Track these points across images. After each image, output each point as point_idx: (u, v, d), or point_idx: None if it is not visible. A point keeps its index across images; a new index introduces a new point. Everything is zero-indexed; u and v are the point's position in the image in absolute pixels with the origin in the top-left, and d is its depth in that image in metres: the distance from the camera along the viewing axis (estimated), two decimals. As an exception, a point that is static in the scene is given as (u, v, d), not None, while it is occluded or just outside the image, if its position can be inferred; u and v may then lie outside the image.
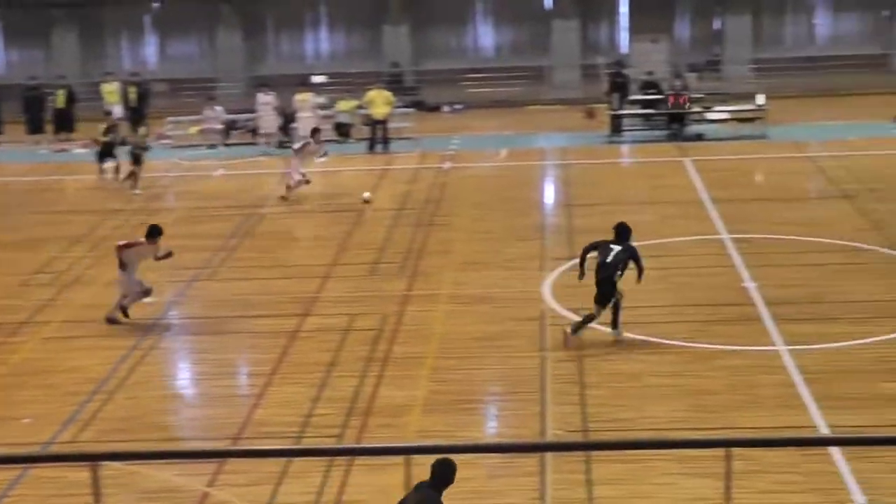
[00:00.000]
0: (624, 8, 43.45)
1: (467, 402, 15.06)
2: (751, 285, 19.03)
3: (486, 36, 45.05)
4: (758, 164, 29.19)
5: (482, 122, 37.65)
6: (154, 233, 18.56)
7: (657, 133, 32.99)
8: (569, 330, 16.75)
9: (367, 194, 26.17)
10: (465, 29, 44.92)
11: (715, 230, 22.60)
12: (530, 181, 28.78)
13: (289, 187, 26.62)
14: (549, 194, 27.81)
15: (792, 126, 33.00)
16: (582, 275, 16.97)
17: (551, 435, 13.79)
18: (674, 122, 32.82)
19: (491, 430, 14.62)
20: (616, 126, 33.40)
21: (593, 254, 17.09)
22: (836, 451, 12.84)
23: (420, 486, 9.68)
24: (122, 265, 18.32)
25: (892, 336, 16.73)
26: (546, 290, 19.27)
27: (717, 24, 42.63)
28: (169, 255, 18.83)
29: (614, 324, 16.94)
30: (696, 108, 33.01)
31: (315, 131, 28.31)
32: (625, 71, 36.06)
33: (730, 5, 41.32)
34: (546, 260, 21.12)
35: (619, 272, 16.73)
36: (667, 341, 16.80)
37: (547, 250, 21.84)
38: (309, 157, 27.56)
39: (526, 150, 32.33)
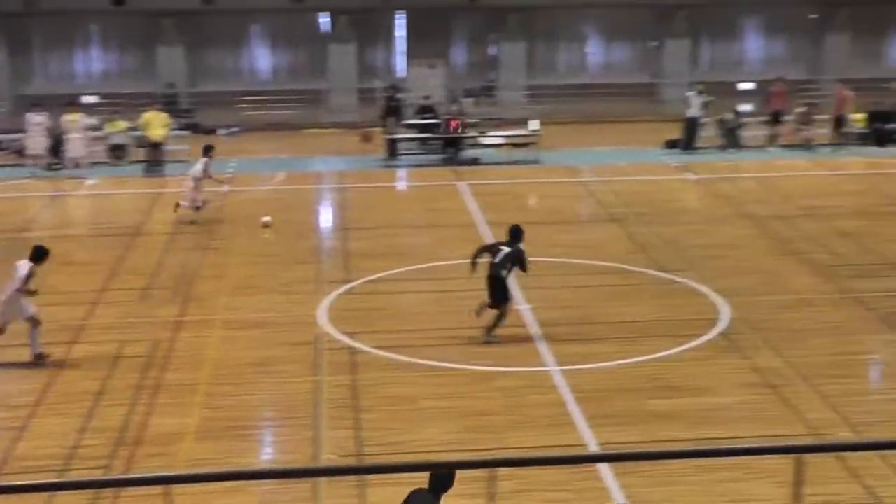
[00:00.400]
0: (401, 32, 43.78)
1: (241, 428, 14.80)
2: (524, 307, 19.31)
3: (262, 58, 44.72)
4: (531, 188, 29.75)
5: (259, 144, 37.31)
6: (41, 255, 17.30)
7: (433, 157, 33.28)
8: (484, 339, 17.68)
9: (266, 218, 25.59)
10: (241, 51, 44.49)
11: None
12: (307, 204, 28.63)
13: (198, 208, 25.89)
14: (326, 218, 27.71)
15: (564, 151, 33.79)
16: (473, 271, 18.06)
17: (324, 460, 13.66)
18: (449, 147, 33.17)
19: (265, 456, 14.39)
20: (392, 150, 33.56)
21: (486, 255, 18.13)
22: (604, 467, 13.09)
23: (418, 492, 9.62)
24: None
25: (659, 355, 17.21)
26: (322, 314, 19.14)
27: (492, 51, 43.37)
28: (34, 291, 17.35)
29: (492, 328, 17.81)
30: (471, 133, 33.43)
31: (208, 149, 26.84)
32: (399, 95, 36.28)
33: (505, 33, 42.10)
34: (322, 283, 21.00)
35: (506, 271, 17.76)
36: (442, 364, 16.88)
37: (323, 274, 21.72)
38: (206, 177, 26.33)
39: (303, 173, 32.17)
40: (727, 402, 15.75)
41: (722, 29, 42.80)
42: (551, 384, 16.12)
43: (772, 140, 33.76)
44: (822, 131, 33.31)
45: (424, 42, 42.36)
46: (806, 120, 33.59)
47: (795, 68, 41.92)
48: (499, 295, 17.87)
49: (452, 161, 32.74)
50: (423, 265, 22.11)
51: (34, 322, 17.17)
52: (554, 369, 16.66)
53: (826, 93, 35.81)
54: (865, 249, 22.82)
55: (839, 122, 33.13)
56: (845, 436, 14.28)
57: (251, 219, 25.91)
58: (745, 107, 35.79)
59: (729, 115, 33.75)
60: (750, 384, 16.23)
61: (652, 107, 40.66)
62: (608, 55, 43.61)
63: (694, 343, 17.60)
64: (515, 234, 18.14)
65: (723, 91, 37.06)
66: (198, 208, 25.78)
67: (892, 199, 27.09)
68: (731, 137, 33.45)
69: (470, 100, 38.61)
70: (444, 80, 40.56)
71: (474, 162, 32.58)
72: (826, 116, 33.51)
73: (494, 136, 33.61)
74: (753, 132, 34.15)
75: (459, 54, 43.70)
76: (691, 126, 33.49)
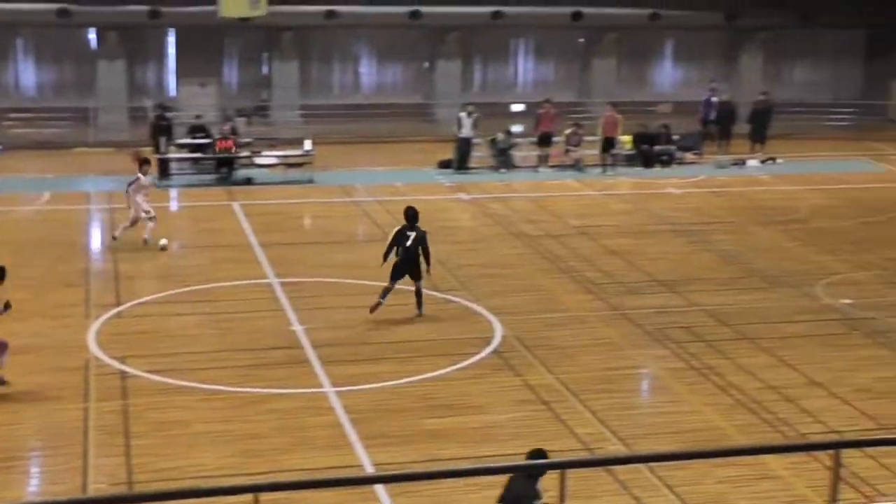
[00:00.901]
0: (171, 50, 43.00)
1: (6, 459, 14.19)
2: (299, 328, 19.18)
3: (27, 74, 43.20)
4: (306, 209, 29.61)
5: (25, 163, 36.02)
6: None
7: (206, 177, 32.76)
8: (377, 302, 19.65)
9: (163, 241, 24.69)
10: (5, 66, 42.85)
11: (264, 274, 22.65)
12: (75, 225, 27.75)
13: (134, 223, 24.92)
14: (96, 239, 26.90)
15: (339, 171, 33.76)
16: (385, 262, 19.92)
17: (93, 489, 13.22)
18: (223, 167, 32.72)
19: (31, 488, 13.81)
20: (164, 170, 32.87)
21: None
22: (381, 489, 13.07)
23: (516, 478, 10.06)
24: None
25: (434, 374, 17.33)
26: (91, 339, 18.57)
27: (265, 70, 43.07)
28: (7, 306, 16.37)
29: (418, 305, 19.98)
30: (244, 153, 33.08)
31: (143, 162, 25.64)
32: (168, 114, 35.57)
33: (277, 52, 41.85)
34: (92, 307, 20.38)
35: (419, 254, 19.66)
36: (215, 387, 16.59)
37: (93, 297, 21.08)
38: (144, 190, 25.23)
39: (71, 193, 31.19)
40: (501, 419, 15.97)
41: (494, 51, 43.58)
42: (327, 405, 16.03)
43: (542, 161, 34.51)
44: (591, 152, 34.24)
45: (196, 60, 41.72)
46: (575, 141, 34.47)
47: (565, 91, 43.01)
48: (417, 272, 19.86)
49: (226, 181, 32.32)
50: (197, 287, 21.71)
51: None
52: (330, 390, 16.58)
53: (594, 115, 36.83)
54: (633, 267, 23.52)
55: (608, 143, 34.12)
56: (615, 449, 14.64)
57: (18, 241, 24.98)
58: (517, 128, 36.48)
59: (500, 136, 34.34)
60: (523, 401, 16.49)
61: (425, 127, 41.07)
62: (382, 75, 43.86)
63: (468, 362, 17.78)
64: (414, 216, 20.04)
65: (495, 112, 37.74)
66: None
67: (659, 219, 28.02)
68: (502, 158, 34.06)
69: (243, 119, 38.21)
70: (216, 99, 40.05)
71: (248, 182, 32.24)
72: (595, 138, 34.46)
73: (268, 156, 33.33)
74: (525, 153, 34.85)
75: (232, 73, 43.20)
76: (464, 146, 33.94)
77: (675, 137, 36.09)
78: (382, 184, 32.01)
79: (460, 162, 33.90)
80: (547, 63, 44.17)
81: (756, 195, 31.02)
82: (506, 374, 17.50)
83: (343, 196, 30.60)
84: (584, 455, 14.41)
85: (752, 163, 35.49)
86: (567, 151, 34.56)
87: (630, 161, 35.18)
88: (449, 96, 41.61)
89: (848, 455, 13.87)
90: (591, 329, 19.73)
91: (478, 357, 18.12)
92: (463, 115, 34.11)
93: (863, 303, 21.42)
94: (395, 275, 19.93)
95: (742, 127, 36.96)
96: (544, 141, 34.67)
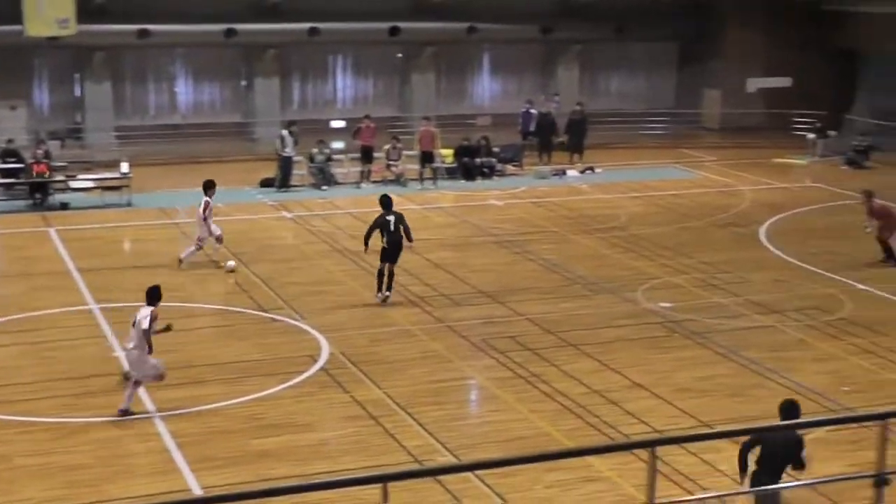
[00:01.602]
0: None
1: None
2: (122, 354, 18.77)
3: None
4: (124, 232, 28.98)
5: None
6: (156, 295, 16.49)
7: (19, 203, 31.76)
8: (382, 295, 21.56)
9: (231, 263, 24.30)
10: None
11: (84, 301, 22.10)
12: None
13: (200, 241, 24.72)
14: None
15: (157, 193, 33.11)
16: (366, 250, 21.85)
17: None
18: (37, 192, 31.81)
19: None
20: (-26, 196, 31.77)
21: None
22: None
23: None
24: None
25: (262, 394, 17.18)
26: None
27: (77, 91, 42.06)
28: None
29: (389, 286, 21.79)
30: (59, 177, 32.24)
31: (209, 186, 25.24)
32: (-22, 139, 34.42)
33: (89, 72, 40.89)
34: None
35: (402, 235, 21.59)
36: (36, 419, 16.14)
37: None
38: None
39: None
40: (331, 436, 15.93)
41: (312, 68, 43.41)
42: (153, 431, 15.74)
43: (364, 176, 34.52)
44: (413, 167, 34.39)
45: (4, 82, 40.47)
46: (394, 156, 34.59)
47: (385, 106, 43.13)
48: (397, 256, 21.72)
49: (40, 207, 31.41)
50: (16, 316, 21.07)
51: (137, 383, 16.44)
52: (155, 416, 16.28)
53: (415, 129, 37.00)
54: (457, 279, 23.70)
55: (426, 157, 34.31)
56: (445, 460, 14.71)
57: None
58: (336, 144, 36.42)
59: (317, 153, 34.21)
60: (352, 417, 16.47)
61: (245, 146, 40.64)
62: (199, 95, 43.24)
63: (296, 380, 17.67)
64: (390, 202, 21.99)
65: (315, 129, 37.57)
66: None
67: (481, 231, 28.28)
68: (322, 175, 33.95)
69: (56, 142, 37.24)
70: (26, 122, 38.97)
71: (64, 207, 31.39)
72: (414, 152, 34.63)
73: (84, 180, 32.54)
74: (347, 169, 34.81)
75: (42, 95, 42.04)
76: (285, 165, 33.72)
77: (496, 150, 36.51)
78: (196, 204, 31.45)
79: (282, 180, 33.68)
80: (366, 78, 44.20)
81: (576, 204, 31.60)
82: (334, 391, 17.44)
83: (163, 218, 30.08)
84: (414, 467, 14.44)
85: (572, 173, 36.14)
86: (388, 166, 34.65)
87: (452, 174, 35.46)
88: (268, 114, 41.28)
89: (671, 453, 14.28)
90: (418, 342, 19.81)
91: (305, 375, 18.02)
92: (285, 133, 33.90)
93: (681, 305, 21.99)
94: (387, 258, 21.84)
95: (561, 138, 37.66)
96: (365, 156, 34.69)
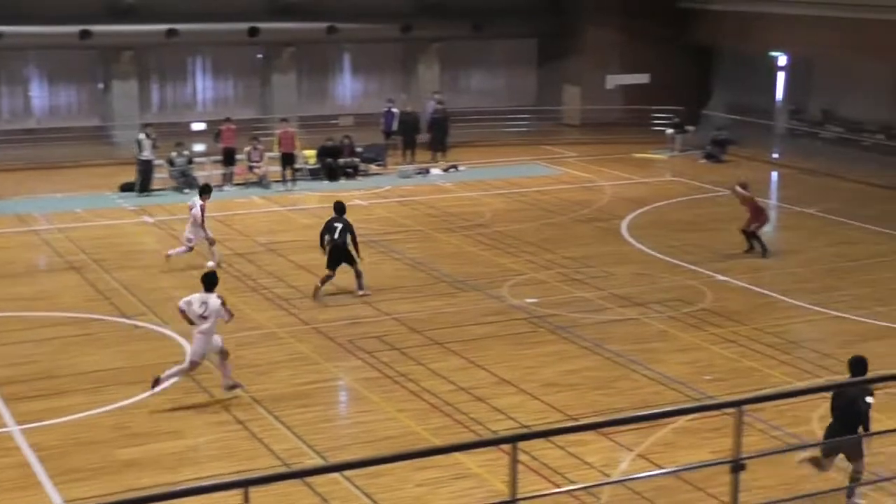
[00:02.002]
0: None
1: None
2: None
3: None
4: (-19, 241, 28.23)
5: None
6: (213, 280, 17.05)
7: None
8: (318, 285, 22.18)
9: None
10: None
11: (-63, 312, 21.46)
12: None
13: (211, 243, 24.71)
14: None
15: (14, 200, 32.30)
16: (323, 248, 22.52)
17: None
18: None
19: None
20: None
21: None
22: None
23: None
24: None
25: (126, 403, 16.90)
26: None
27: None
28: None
29: (360, 286, 22.37)
30: None
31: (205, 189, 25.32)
32: None
33: (-60, 78, 39.83)
34: None
35: (347, 241, 22.20)
36: None
37: None
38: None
39: None
40: (198, 442, 15.73)
41: (171, 70, 42.80)
42: (13, 445, 15.36)
43: (227, 179, 34.16)
44: (277, 169, 34.12)
45: None
46: (255, 157, 34.27)
47: (246, 107, 42.73)
48: (350, 258, 22.28)
49: None
50: None
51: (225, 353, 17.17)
52: (14, 429, 15.90)
53: (276, 131, 36.70)
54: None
55: (287, 159, 34.06)
56: (313, 463, 14.64)
57: None
58: (198, 146, 35.96)
59: (176, 156, 33.74)
60: (219, 422, 16.30)
61: (104, 150, 39.87)
62: (55, 98, 42.33)
63: (160, 387, 17.36)
64: (342, 208, 22.76)
65: (176, 132, 37.05)
66: None
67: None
68: (184, 178, 33.49)
69: None
70: None
71: (-85, 216, 30.47)
72: (276, 154, 34.35)
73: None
74: (209, 172, 34.40)
75: None
76: (144, 168, 33.19)
77: (359, 149, 36.45)
78: (62, 211, 30.84)
79: (142, 184, 33.14)
80: (226, 80, 43.72)
81: (440, 203, 31.71)
82: (200, 397, 17.24)
83: (20, 225, 29.35)
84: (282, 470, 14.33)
85: (435, 171, 36.26)
86: (250, 168, 34.34)
87: (315, 175, 35.28)
88: (127, 118, 40.58)
89: (539, 447, 14.44)
90: (284, 345, 19.68)
91: (170, 382, 17.75)
92: (142, 136, 33.35)
93: (546, 301, 22.23)
94: (331, 263, 22.37)
95: (425, 136, 37.78)
96: (227, 159, 34.33)
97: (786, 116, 43.08)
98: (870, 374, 13.52)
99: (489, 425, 16.05)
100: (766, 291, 23.07)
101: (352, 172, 35.53)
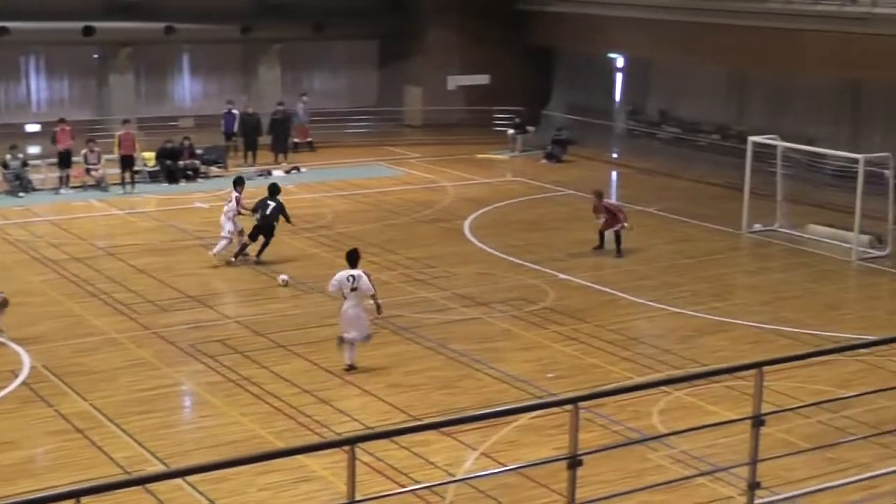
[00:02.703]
0: None
1: None
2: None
3: None
4: None
5: None
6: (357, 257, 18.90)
7: None
8: (233, 259, 24.52)
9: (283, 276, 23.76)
10: None
11: None
12: None
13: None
14: None
15: None
16: (255, 216, 25.03)
17: None
18: None
19: None
20: None
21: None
22: None
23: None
24: None
25: (-43, 413, 16.36)
26: None
27: None
28: None
29: (239, 253, 24.78)
30: None
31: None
32: None
33: None
34: None
35: (276, 221, 24.84)
36: None
37: None
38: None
39: None
40: (36, 452, 15.35)
41: (4, 69, 41.56)
42: None
43: (63, 182, 33.36)
44: (115, 171, 33.44)
45: None
46: (93, 160, 33.54)
47: (82, 108, 41.76)
48: (269, 235, 24.94)
49: None
50: None
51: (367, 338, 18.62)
52: None
53: (114, 132, 35.95)
54: (163, 285, 23.20)
55: (128, 161, 33.42)
56: (154, 470, 14.37)
57: None
58: (33, 149, 35.08)
59: (10, 158, 32.81)
60: (58, 431, 15.92)
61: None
62: None
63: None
64: (275, 190, 25.39)
65: (10, 133, 36.04)
66: None
67: (187, 234, 27.78)
68: (19, 181, 32.60)
69: None
70: None
71: None
72: (114, 156, 33.66)
73: None
74: (44, 175, 33.56)
75: None
76: (-23, 172, 32.22)
77: (199, 151, 35.94)
78: None
79: (-25, 188, 32.19)
80: (61, 80, 42.65)
81: (284, 204, 31.38)
82: (37, 406, 16.81)
83: None
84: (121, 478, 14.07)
85: (277, 173, 35.94)
86: (87, 171, 33.59)
87: (154, 178, 34.67)
88: (-42, 120, 39.39)
89: (384, 448, 14.46)
90: (125, 351, 19.31)
91: (6, 391, 17.30)
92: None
93: (389, 302, 22.16)
94: (253, 235, 24.89)
95: (267, 138, 37.45)
96: (63, 161, 33.52)
97: (624, 117, 43.94)
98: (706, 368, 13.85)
99: (334, 427, 16.00)
100: (607, 289, 23.48)
101: (192, 175, 35.01)
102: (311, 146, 40.02)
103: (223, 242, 25.16)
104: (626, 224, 26.08)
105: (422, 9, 44.22)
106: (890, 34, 31.14)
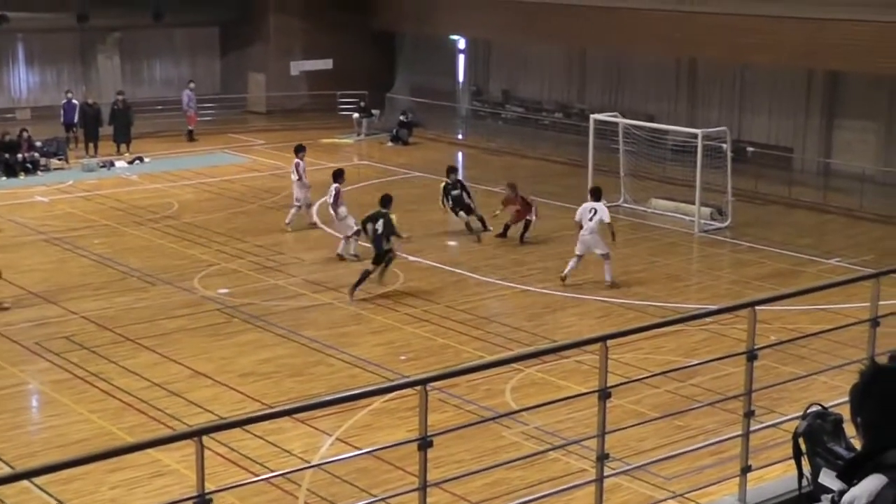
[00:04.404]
0: None
1: None
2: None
3: None
4: None
5: None
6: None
7: None
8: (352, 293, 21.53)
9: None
10: None
11: None
12: None
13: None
14: None
15: None
16: (366, 236, 22.46)
17: None
18: None
19: None
20: None
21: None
22: None
23: None
24: None
25: None
26: None
27: None
28: None
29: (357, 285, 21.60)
30: None
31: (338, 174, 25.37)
32: None
33: None
34: None
35: (387, 241, 21.67)
36: None
37: None
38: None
39: None
40: None
41: None
42: None
43: None
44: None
45: None
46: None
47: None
48: (382, 260, 21.85)
49: None
50: None
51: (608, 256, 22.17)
52: None
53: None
54: (3, 282, 22.40)
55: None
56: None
57: None
58: None
59: None
60: None
61: None
62: None
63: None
64: (386, 201, 22.09)
65: None
66: None
67: (28, 229, 27.03)
68: None
69: None
70: None
71: None
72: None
73: None
74: None
75: None
76: None
77: (39, 144, 35.04)
78: None
79: None
80: None
81: (127, 196, 30.88)
82: None
83: None
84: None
85: (120, 164, 35.28)
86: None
87: (-8, 172, 33.71)
88: None
89: (238, 438, 14.34)
90: (-35, 351, 18.77)
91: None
92: None
93: (239, 290, 22.05)
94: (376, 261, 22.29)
95: (108, 129, 36.68)
96: None
97: (468, 98, 44.22)
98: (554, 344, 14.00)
99: (186, 420, 15.79)
100: (456, 270, 23.64)
101: (31, 168, 34.10)
102: (191, 135, 39.25)
103: (292, 212, 26.78)
104: (536, 216, 26.01)
105: (262, -6, 43.80)
106: (722, 12, 31.92)
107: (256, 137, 39.80)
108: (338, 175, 25.23)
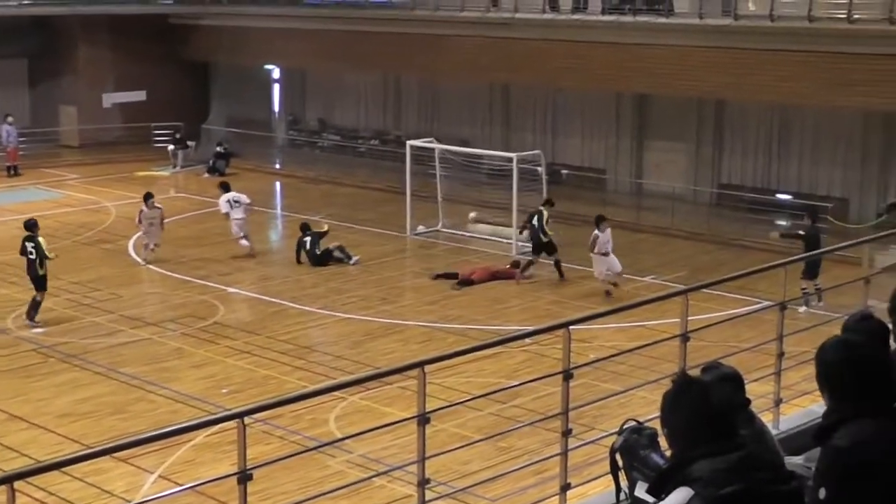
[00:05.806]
0: None
1: None
2: None
3: None
4: None
5: None
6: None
7: None
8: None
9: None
10: None
11: None
12: None
13: None
14: None
15: None
16: (521, 233, 26.45)
17: None
18: None
19: None
20: None
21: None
22: None
23: None
24: None
25: None
26: None
27: None
28: None
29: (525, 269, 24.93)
30: None
31: None
32: None
33: None
34: None
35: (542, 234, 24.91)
36: None
37: None
38: None
39: None
40: None
41: None
42: None
43: None
44: None
45: None
46: None
47: None
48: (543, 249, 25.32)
49: None
50: None
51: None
52: None
53: None
54: None
55: None
56: None
57: None
58: None
59: None
60: None
61: None
62: None
63: None
64: (547, 201, 25.66)
65: None
66: None
67: None
68: None
69: None
70: None
71: None
72: None
73: None
74: None
75: None
76: None
77: None
78: None
79: None
80: None
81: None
82: None
83: None
84: None
85: (-75, 202, 34.13)
86: None
87: None
88: None
89: (56, 482, 13.99)
90: None
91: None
92: None
93: (55, 329, 21.57)
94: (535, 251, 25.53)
95: None
96: None
97: (284, 127, 44.10)
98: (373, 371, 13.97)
99: (2, 465, 15.33)
100: (276, 300, 23.55)
101: None
102: (15, 171, 38.05)
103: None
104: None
105: (69, 26, 42.85)
106: (531, 38, 32.57)
107: (70, 172, 38.94)
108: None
